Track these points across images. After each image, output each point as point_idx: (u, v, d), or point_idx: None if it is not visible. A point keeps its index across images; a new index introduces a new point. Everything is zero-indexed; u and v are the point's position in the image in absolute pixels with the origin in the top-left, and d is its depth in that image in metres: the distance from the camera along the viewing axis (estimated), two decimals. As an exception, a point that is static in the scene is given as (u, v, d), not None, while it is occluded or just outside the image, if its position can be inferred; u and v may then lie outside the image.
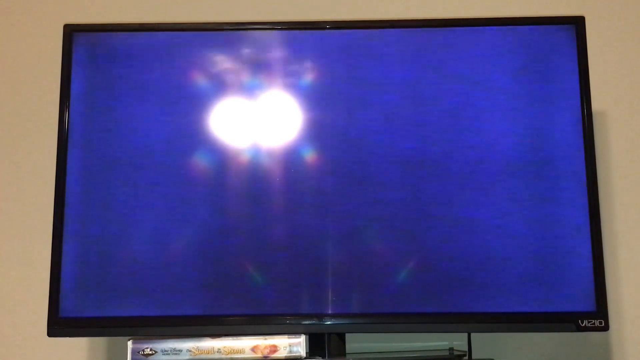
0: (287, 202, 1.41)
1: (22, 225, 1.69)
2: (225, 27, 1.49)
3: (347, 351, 1.44)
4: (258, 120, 1.45)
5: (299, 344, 1.35)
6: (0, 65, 1.77)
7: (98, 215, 1.41)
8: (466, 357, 1.41)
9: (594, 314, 1.36)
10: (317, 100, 1.45)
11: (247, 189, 1.43)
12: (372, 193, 1.41)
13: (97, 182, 1.42)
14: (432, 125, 1.43)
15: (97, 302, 1.39)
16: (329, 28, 1.48)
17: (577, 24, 1.45)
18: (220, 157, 1.44)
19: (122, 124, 1.44)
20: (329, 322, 1.38)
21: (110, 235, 1.41)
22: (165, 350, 1.35)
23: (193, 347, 1.35)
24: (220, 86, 1.46)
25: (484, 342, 1.54)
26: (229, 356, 1.34)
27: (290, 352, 1.34)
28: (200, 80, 1.46)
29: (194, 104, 1.45)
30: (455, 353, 1.43)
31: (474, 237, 1.39)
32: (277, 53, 1.47)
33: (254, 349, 1.35)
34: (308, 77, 1.45)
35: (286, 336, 1.35)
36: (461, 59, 1.45)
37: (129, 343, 1.35)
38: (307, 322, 1.37)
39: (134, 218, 1.41)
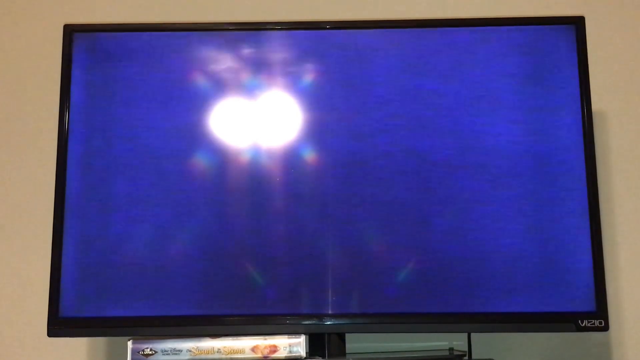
0: (287, 202, 1.41)
1: (22, 225, 1.69)
2: (225, 27, 1.49)
3: (347, 351, 1.44)
4: (258, 120, 1.45)
5: (299, 344, 1.35)
6: (0, 65, 1.77)
7: (98, 215, 1.41)
8: (466, 357, 1.41)
9: (594, 314, 1.36)
10: (317, 100, 1.45)
11: (247, 189, 1.43)
12: (372, 193, 1.41)
13: (97, 182, 1.43)
14: (433, 125, 1.43)
15: (97, 302, 1.39)
16: (329, 28, 1.48)
17: (577, 24, 1.45)
18: (220, 157, 1.44)
19: (122, 124, 1.44)
20: (329, 322, 1.38)
21: (110, 235, 1.41)
22: (165, 350, 1.35)
23: (193, 347, 1.35)
24: (220, 86, 1.46)
25: (484, 342, 1.55)
26: (229, 356, 1.35)
27: (290, 352, 1.34)
28: (200, 80, 1.46)
29: (194, 104, 1.45)
30: (455, 353, 1.43)
31: (474, 237, 1.39)
32: (277, 53, 1.47)
33: (254, 349, 1.35)
34: (308, 77, 1.45)
35: (286, 336, 1.35)
36: (461, 59, 1.45)
37: (129, 343, 1.35)
38: (307, 322, 1.37)
39: (134, 218, 1.41)
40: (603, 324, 1.35)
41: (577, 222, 1.39)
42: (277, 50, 1.47)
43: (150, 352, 1.35)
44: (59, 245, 1.40)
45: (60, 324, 1.39)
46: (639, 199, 1.66)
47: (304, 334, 1.36)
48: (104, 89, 1.46)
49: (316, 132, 1.44)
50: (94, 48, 1.47)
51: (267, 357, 1.34)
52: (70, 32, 1.48)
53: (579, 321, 1.36)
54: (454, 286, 1.38)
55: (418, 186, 1.41)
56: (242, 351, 1.35)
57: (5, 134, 1.73)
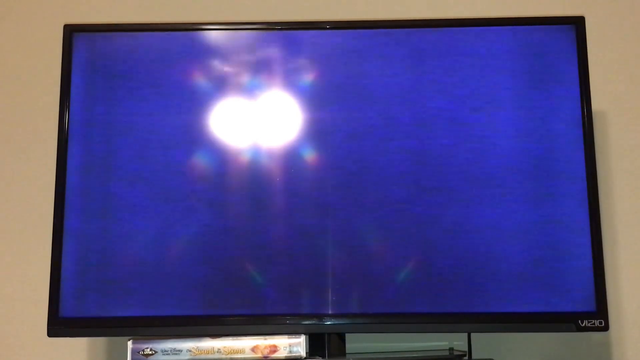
0: (287, 202, 1.41)
1: (22, 225, 1.69)
2: (225, 27, 1.49)
3: (347, 351, 1.44)
4: (258, 120, 1.45)
5: (299, 344, 1.35)
6: (0, 65, 1.77)
7: (98, 215, 1.41)
8: (466, 357, 1.41)
9: (594, 314, 1.36)
10: (316, 101, 1.45)
11: (247, 188, 1.43)
12: (372, 193, 1.41)
13: (97, 182, 1.43)
14: (432, 125, 1.43)
15: (97, 302, 1.39)
16: (329, 28, 1.48)
17: (577, 24, 1.45)
18: (221, 156, 1.44)
19: (122, 124, 1.44)
20: (329, 322, 1.38)
21: (110, 235, 1.41)
22: (165, 350, 1.35)
23: (193, 347, 1.35)
24: (220, 86, 1.46)
25: (484, 342, 1.54)
26: (229, 356, 1.35)
27: (290, 352, 1.34)
28: (200, 80, 1.46)
29: (193, 104, 1.45)
30: (455, 353, 1.43)
31: (474, 238, 1.39)
32: (277, 53, 1.47)
33: (254, 349, 1.35)
34: (308, 77, 1.45)
35: (286, 336, 1.35)
36: (461, 59, 1.45)
37: (129, 343, 1.35)
38: (307, 322, 1.37)
39: (134, 218, 1.41)
40: (603, 324, 1.35)
41: (577, 222, 1.39)
42: (277, 50, 1.47)
43: (150, 352, 1.35)
44: (59, 245, 1.40)
45: (60, 324, 1.39)
46: (639, 199, 1.66)
47: (304, 334, 1.36)
48: (104, 89, 1.46)
49: (316, 132, 1.44)
50: (94, 48, 1.47)
51: (267, 357, 1.34)
52: (70, 32, 1.48)
53: (579, 321, 1.36)
54: (454, 286, 1.38)
55: (418, 186, 1.41)
56: (242, 351, 1.35)
57: (5, 134, 1.73)
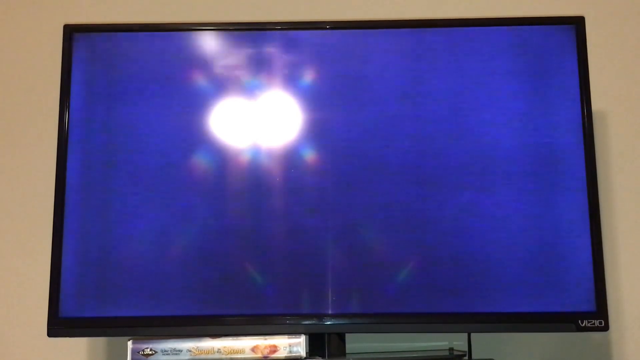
0: (287, 202, 1.41)
1: (22, 225, 1.69)
2: (225, 27, 1.49)
3: (347, 351, 1.44)
4: (258, 120, 1.45)
5: (299, 344, 1.35)
6: (0, 65, 1.77)
7: (98, 215, 1.41)
8: (466, 357, 1.41)
9: (594, 314, 1.36)
10: (316, 101, 1.45)
11: (247, 189, 1.43)
12: (371, 193, 1.41)
13: (97, 182, 1.43)
14: (432, 126, 1.43)
15: (97, 302, 1.39)
16: (329, 28, 1.48)
17: (577, 24, 1.45)
18: (220, 156, 1.44)
19: (122, 124, 1.44)
20: (329, 322, 1.38)
21: (110, 235, 1.41)
22: (165, 350, 1.35)
23: (193, 347, 1.35)
24: (220, 86, 1.46)
25: (484, 342, 1.55)
26: (229, 356, 1.35)
27: (290, 352, 1.34)
28: (200, 80, 1.46)
29: (193, 104, 1.45)
30: (455, 353, 1.43)
31: (474, 237, 1.39)
32: (277, 53, 1.47)
33: (254, 349, 1.35)
34: (308, 77, 1.45)
35: (286, 336, 1.35)
36: (461, 59, 1.45)
37: (129, 343, 1.35)
38: (307, 322, 1.38)
39: (134, 218, 1.41)
40: (603, 324, 1.35)
41: (577, 222, 1.39)
42: (277, 50, 1.47)
43: (150, 352, 1.35)
44: (59, 245, 1.40)
45: (60, 324, 1.39)
46: (639, 199, 1.66)
47: (304, 334, 1.36)
48: (103, 88, 1.46)
49: (316, 132, 1.44)
50: (94, 48, 1.47)
51: (267, 357, 1.34)
52: (70, 32, 1.48)
53: (579, 321, 1.36)
54: (454, 286, 1.38)
55: (418, 186, 1.41)
56: (242, 351, 1.35)
57: (5, 134, 1.73)
